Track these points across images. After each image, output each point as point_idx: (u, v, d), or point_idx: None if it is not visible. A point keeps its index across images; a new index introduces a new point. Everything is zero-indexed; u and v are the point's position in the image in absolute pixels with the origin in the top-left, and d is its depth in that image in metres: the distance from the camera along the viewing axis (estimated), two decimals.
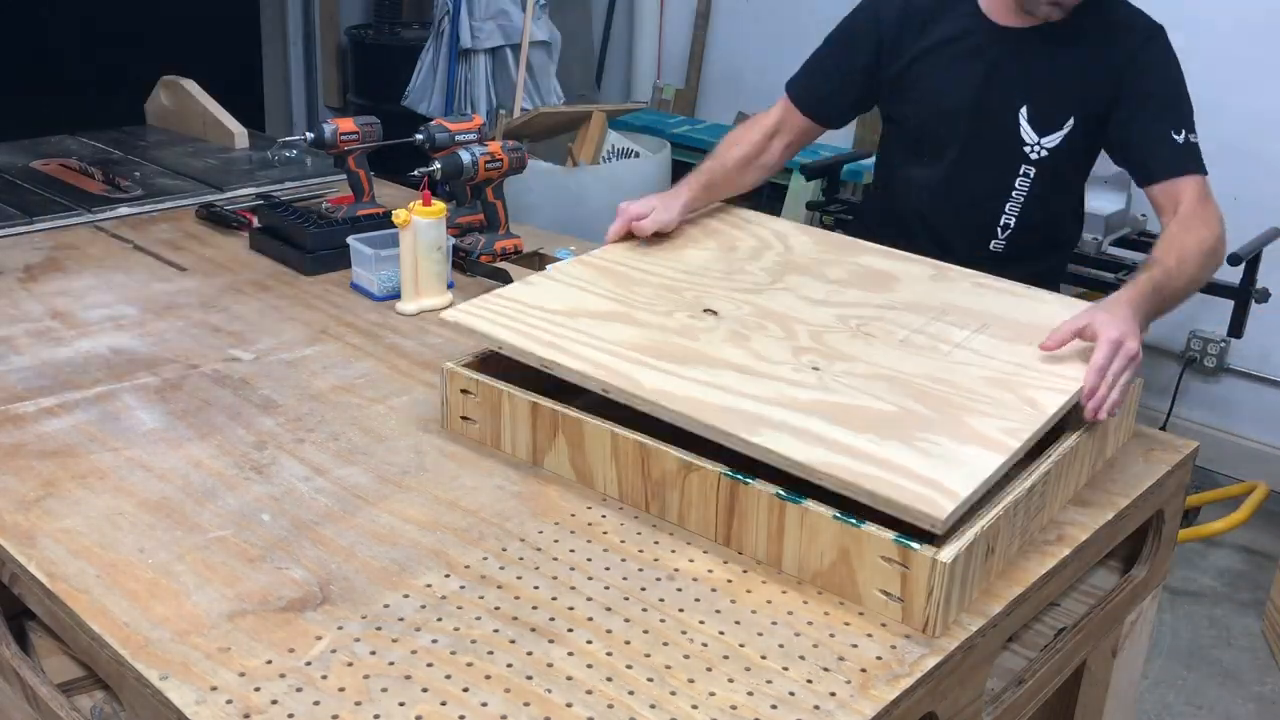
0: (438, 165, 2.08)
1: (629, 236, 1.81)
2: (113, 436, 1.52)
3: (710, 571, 1.27)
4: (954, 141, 2.00)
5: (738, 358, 1.43)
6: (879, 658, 1.13)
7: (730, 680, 1.09)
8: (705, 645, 1.14)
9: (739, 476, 1.27)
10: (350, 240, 2.08)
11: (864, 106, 2.13)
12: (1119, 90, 1.89)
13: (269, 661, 1.09)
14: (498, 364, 1.53)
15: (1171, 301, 1.66)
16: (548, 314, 1.53)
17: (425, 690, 1.06)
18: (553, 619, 1.17)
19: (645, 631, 1.16)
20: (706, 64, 4.73)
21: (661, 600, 1.21)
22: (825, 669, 1.11)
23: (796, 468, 1.22)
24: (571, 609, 1.19)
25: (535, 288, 1.62)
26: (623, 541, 1.32)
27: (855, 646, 1.15)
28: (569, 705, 1.05)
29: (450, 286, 2.05)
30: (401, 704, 1.04)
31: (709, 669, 1.10)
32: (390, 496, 1.40)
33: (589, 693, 1.07)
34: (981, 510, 1.22)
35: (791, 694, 1.08)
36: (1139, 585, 1.58)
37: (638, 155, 4.09)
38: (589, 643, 1.13)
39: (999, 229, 2.03)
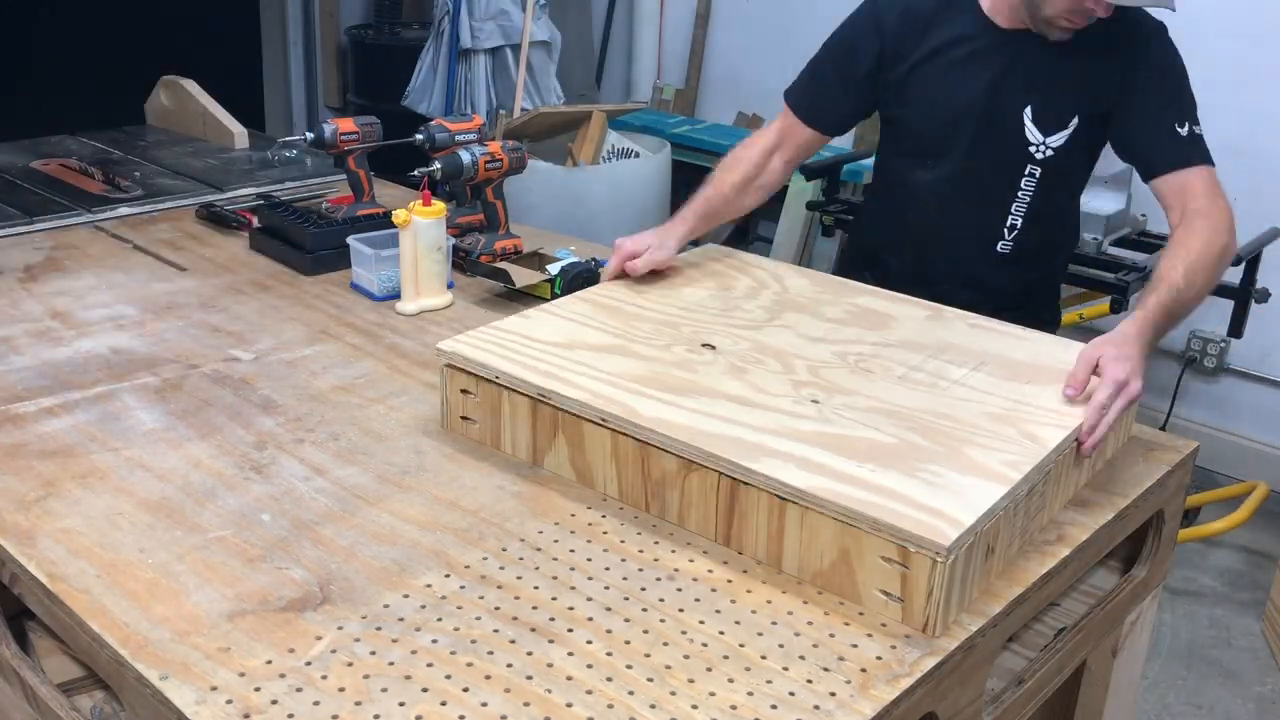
0: (438, 165, 2.08)
1: (624, 274, 1.81)
2: (113, 436, 1.53)
3: (710, 571, 1.27)
4: (959, 144, 1.99)
5: (737, 390, 1.44)
6: (879, 658, 1.13)
7: (730, 680, 1.09)
8: (705, 645, 1.14)
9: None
10: (350, 240, 2.08)
11: (866, 113, 2.12)
12: (1120, 87, 1.89)
13: (269, 661, 1.09)
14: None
15: (1182, 315, 1.67)
16: (546, 346, 1.54)
17: (425, 690, 1.06)
18: (553, 619, 1.17)
19: (645, 631, 1.16)
20: (706, 64, 4.73)
21: (661, 600, 1.21)
22: (825, 669, 1.11)
23: (798, 494, 1.22)
24: (571, 609, 1.19)
25: (532, 321, 1.63)
26: (623, 541, 1.32)
27: (855, 646, 1.15)
28: (569, 705, 1.05)
29: (450, 286, 2.05)
30: (401, 704, 1.04)
31: (709, 669, 1.10)
32: (390, 496, 1.40)
33: (589, 693, 1.07)
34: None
35: (791, 694, 1.08)
36: (1139, 585, 1.58)
37: (638, 155, 4.09)
38: (589, 643, 1.13)
39: (1006, 230, 2.03)
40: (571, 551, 1.29)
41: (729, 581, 1.25)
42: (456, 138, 2.18)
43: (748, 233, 4.60)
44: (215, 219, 2.41)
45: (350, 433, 1.55)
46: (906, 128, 2.08)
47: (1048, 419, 1.39)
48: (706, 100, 4.77)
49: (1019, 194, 2.00)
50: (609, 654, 1.12)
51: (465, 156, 2.13)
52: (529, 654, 1.11)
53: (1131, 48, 1.89)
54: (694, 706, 1.05)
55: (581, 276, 2.00)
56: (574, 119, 4.01)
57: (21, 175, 2.67)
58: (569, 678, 1.09)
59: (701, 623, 1.17)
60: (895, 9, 2.01)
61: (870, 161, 3.87)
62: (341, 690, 1.06)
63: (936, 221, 2.07)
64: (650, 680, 1.08)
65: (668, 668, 1.10)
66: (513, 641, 1.13)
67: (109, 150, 2.93)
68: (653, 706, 1.05)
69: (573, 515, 1.37)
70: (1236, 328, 3.00)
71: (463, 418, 1.54)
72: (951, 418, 1.39)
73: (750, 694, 1.07)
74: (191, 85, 3.10)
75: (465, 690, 1.06)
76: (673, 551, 1.30)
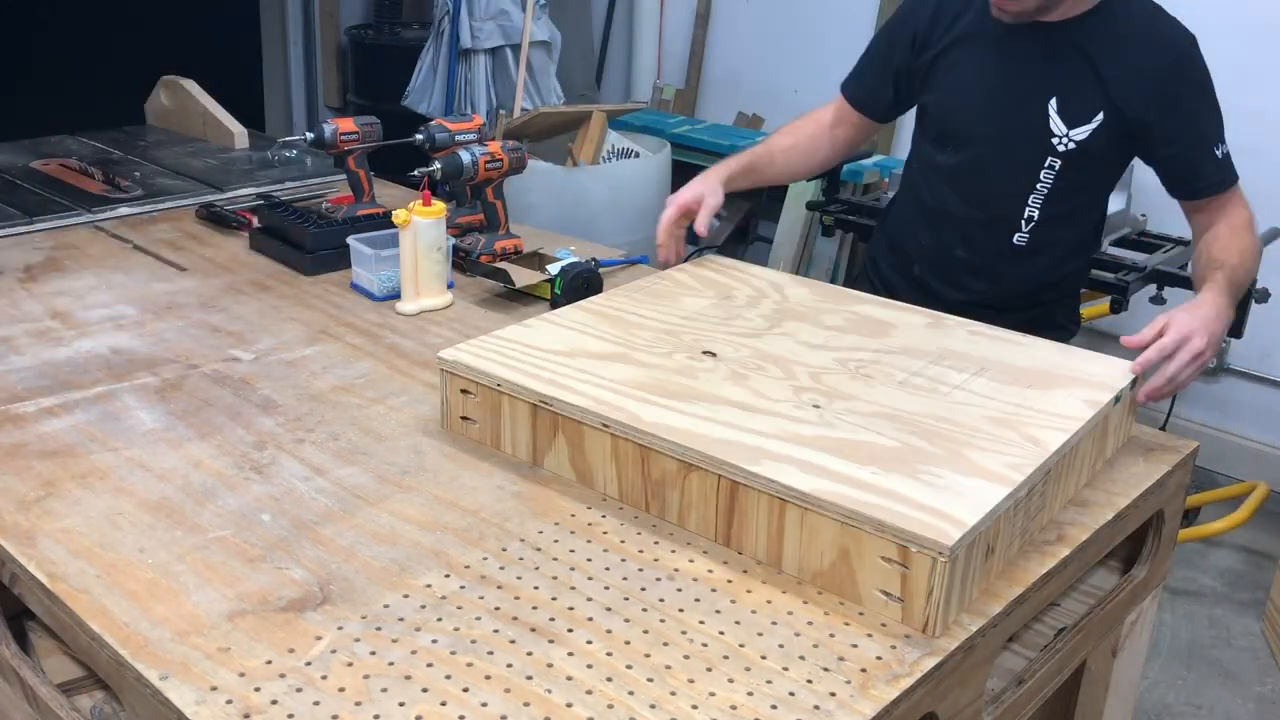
0: (438, 165, 2.08)
1: (623, 295, 1.85)
2: (113, 436, 1.53)
3: (710, 571, 1.27)
4: (981, 129, 2.01)
5: (738, 396, 1.44)
6: (879, 658, 1.13)
7: (730, 680, 1.09)
8: (705, 645, 1.14)
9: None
10: (350, 240, 2.08)
11: (909, 102, 2.16)
12: (1157, 104, 1.89)
13: (269, 661, 1.09)
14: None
15: (1239, 295, 1.77)
16: (547, 354, 1.54)
17: (425, 690, 1.06)
18: (553, 619, 1.17)
19: (645, 631, 1.16)
20: (706, 64, 4.74)
21: (661, 600, 1.21)
22: (825, 669, 1.11)
23: (799, 496, 1.22)
24: (571, 609, 1.19)
25: (533, 330, 1.63)
26: (623, 541, 1.32)
27: (855, 646, 1.15)
28: (569, 705, 1.05)
29: (450, 286, 2.05)
30: (401, 704, 1.04)
31: (709, 669, 1.10)
32: (390, 496, 1.40)
33: (589, 693, 1.07)
34: None
35: (791, 694, 1.08)
36: (1139, 585, 1.58)
37: (638, 155, 4.09)
38: (589, 643, 1.14)
39: (1023, 222, 2.03)
40: (571, 551, 1.29)
41: (729, 581, 1.25)
42: (456, 138, 2.18)
43: (748, 233, 4.60)
44: (215, 219, 2.41)
45: (350, 433, 1.55)
46: (932, 113, 2.10)
47: (1049, 422, 1.40)
48: (706, 100, 4.77)
49: (1038, 185, 2.00)
50: (609, 654, 1.12)
51: (465, 156, 2.13)
52: (529, 654, 1.12)
53: (1166, 63, 1.89)
54: (694, 706, 1.05)
55: (582, 276, 2.00)
56: (574, 119, 4.01)
57: (21, 175, 2.67)
58: (569, 678, 1.09)
59: (701, 623, 1.17)
60: (930, 1, 2.06)
61: (870, 162, 3.89)
62: (341, 690, 1.06)
63: (955, 209, 2.08)
64: (650, 680, 1.08)
65: (668, 668, 1.10)
66: (513, 641, 1.13)
67: (109, 150, 2.93)
68: (653, 706, 1.05)
69: (573, 515, 1.37)
70: (1236, 328, 3.00)
71: (463, 418, 1.54)
72: (952, 421, 1.39)
73: (750, 694, 1.07)
74: (191, 85, 3.10)
75: (465, 690, 1.06)
76: (673, 551, 1.30)
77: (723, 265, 1.95)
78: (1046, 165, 1.98)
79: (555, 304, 1.96)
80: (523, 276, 2.05)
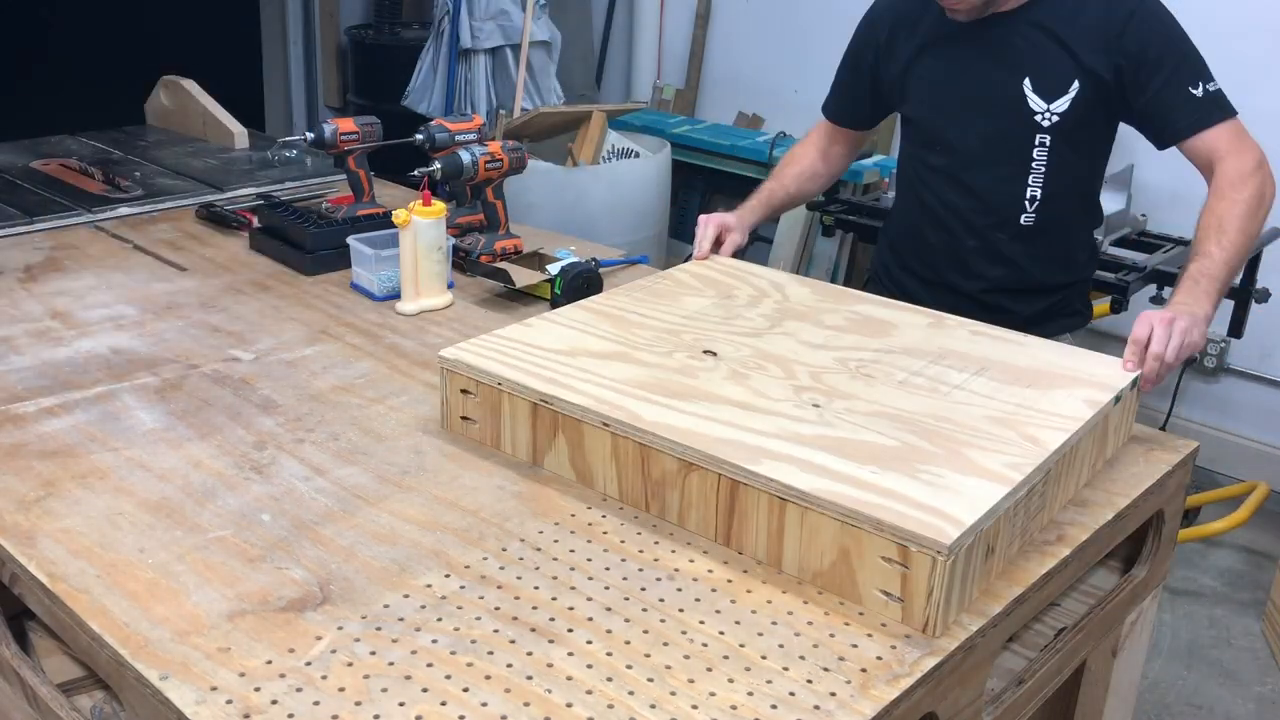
0: (438, 165, 2.08)
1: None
2: (113, 436, 1.53)
3: (710, 571, 1.27)
4: (967, 127, 2.05)
5: (738, 395, 1.44)
6: (879, 658, 1.13)
7: (730, 680, 1.09)
8: (705, 645, 1.14)
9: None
10: (350, 240, 2.08)
11: (886, 108, 2.23)
12: (1125, 56, 1.91)
13: (269, 661, 1.09)
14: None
15: (1229, 277, 1.78)
16: (547, 353, 1.54)
17: (425, 690, 1.06)
18: (553, 619, 1.17)
19: (645, 631, 1.16)
20: (706, 64, 4.73)
21: (661, 600, 1.21)
22: (825, 669, 1.11)
23: (799, 495, 1.22)
24: (571, 609, 1.19)
25: (534, 329, 1.63)
26: (623, 541, 1.32)
27: (855, 646, 1.15)
28: (569, 705, 1.05)
29: (450, 286, 2.05)
30: (401, 704, 1.04)
31: (709, 669, 1.10)
32: (390, 496, 1.40)
33: (589, 693, 1.07)
34: None
35: (791, 694, 1.08)
36: (1139, 585, 1.58)
37: (638, 155, 4.09)
38: (589, 643, 1.13)
39: (1026, 202, 2.05)
40: (571, 551, 1.29)
41: (729, 581, 1.25)
42: (456, 138, 2.18)
43: None
44: (215, 219, 2.41)
45: (350, 433, 1.55)
46: (915, 121, 2.15)
47: (1049, 422, 1.40)
48: (706, 100, 4.77)
49: (1033, 164, 2.02)
50: (609, 654, 1.12)
51: (465, 156, 2.13)
52: (529, 654, 1.12)
53: (1121, 17, 1.92)
54: (694, 706, 1.05)
55: (582, 276, 2.00)
56: (574, 119, 4.01)
57: (21, 175, 2.68)
58: (569, 678, 1.09)
59: (701, 623, 1.17)
60: (887, 11, 2.13)
61: (870, 162, 3.89)
62: (341, 690, 1.06)
63: (958, 204, 2.10)
64: (650, 680, 1.08)
65: (668, 668, 1.10)
66: (513, 641, 1.13)
67: (109, 150, 2.93)
68: (653, 706, 1.05)
69: (573, 515, 1.37)
70: (1236, 328, 3.00)
71: (463, 418, 1.54)
72: (952, 421, 1.39)
73: (750, 694, 1.07)
74: (191, 85, 3.10)
75: (465, 690, 1.06)
76: (673, 551, 1.30)
77: (723, 265, 1.95)
78: (1037, 144, 2.01)
79: (555, 304, 1.96)
80: (523, 276, 2.05)
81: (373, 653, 1.11)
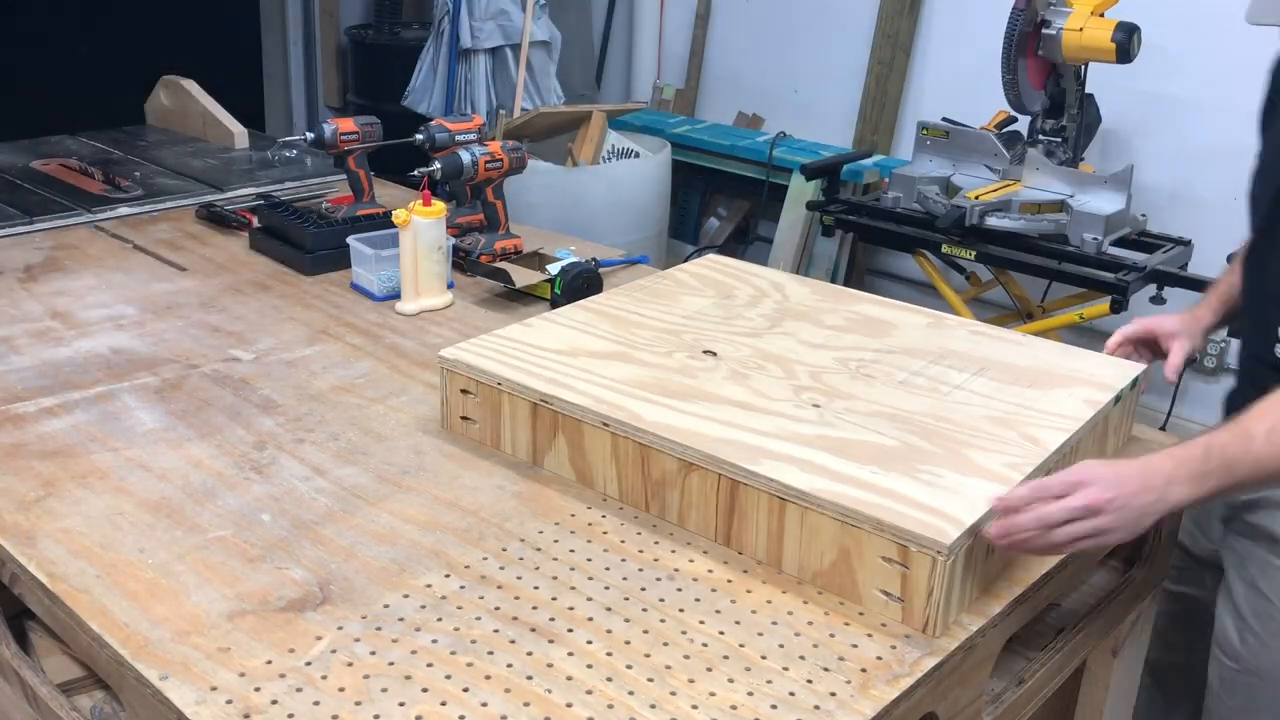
0: (438, 165, 2.08)
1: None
2: (113, 436, 1.52)
3: (710, 571, 1.27)
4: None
5: (738, 395, 1.44)
6: (879, 658, 1.13)
7: (730, 680, 1.09)
8: (705, 645, 1.14)
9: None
10: (350, 240, 2.08)
11: None
12: None
13: (269, 661, 1.09)
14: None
15: (1253, 482, 1.23)
16: (547, 353, 1.54)
17: (425, 690, 1.06)
18: (553, 619, 1.17)
19: (645, 631, 1.16)
20: (706, 64, 4.73)
21: (661, 600, 1.21)
22: (825, 669, 1.11)
23: (799, 495, 1.22)
24: (571, 609, 1.19)
25: (533, 329, 1.63)
26: (623, 541, 1.32)
27: (855, 646, 1.15)
28: (569, 705, 1.05)
29: (450, 286, 2.05)
30: (401, 704, 1.04)
31: (709, 669, 1.10)
32: (390, 496, 1.40)
33: (589, 693, 1.07)
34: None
35: (791, 694, 1.08)
36: (1139, 585, 1.58)
37: (638, 155, 4.09)
38: (589, 643, 1.13)
39: None
40: (571, 551, 1.29)
41: (729, 581, 1.25)
42: (456, 138, 2.18)
43: (748, 233, 4.60)
44: (215, 219, 2.41)
45: (350, 433, 1.55)
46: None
47: (1049, 422, 1.39)
48: (706, 100, 4.77)
49: None
50: (609, 654, 1.12)
51: (465, 156, 2.13)
52: (529, 654, 1.11)
53: None
54: (694, 706, 1.05)
55: (582, 276, 2.00)
56: (574, 119, 4.01)
57: (21, 175, 2.67)
58: (569, 678, 1.09)
59: (701, 623, 1.17)
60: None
61: (870, 162, 3.89)
62: (341, 690, 1.06)
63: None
64: (650, 680, 1.08)
65: (668, 668, 1.10)
66: (513, 641, 1.13)
67: (109, 150, 2.93)
68: (653, 706, 1.05)
69: (573, 515, 1.37)
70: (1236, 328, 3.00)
71: (463, 418, 1.54)
72: (952, 421, 1.39)
73: (750, 694, 1.07)
74: (191, 85, 3.10)
75: (465, 690, 1.06)
76: (673, 551, 1.30)
77: (723, 265, 1.95)
78: None
79: (555, 304, 1.96)
80: (523, 276, 2.05)
81: (373, 653, 1.11)
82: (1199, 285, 2.91)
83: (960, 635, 1.17)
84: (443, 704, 1.05)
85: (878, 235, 3.39)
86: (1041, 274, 3.05)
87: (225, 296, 2.03)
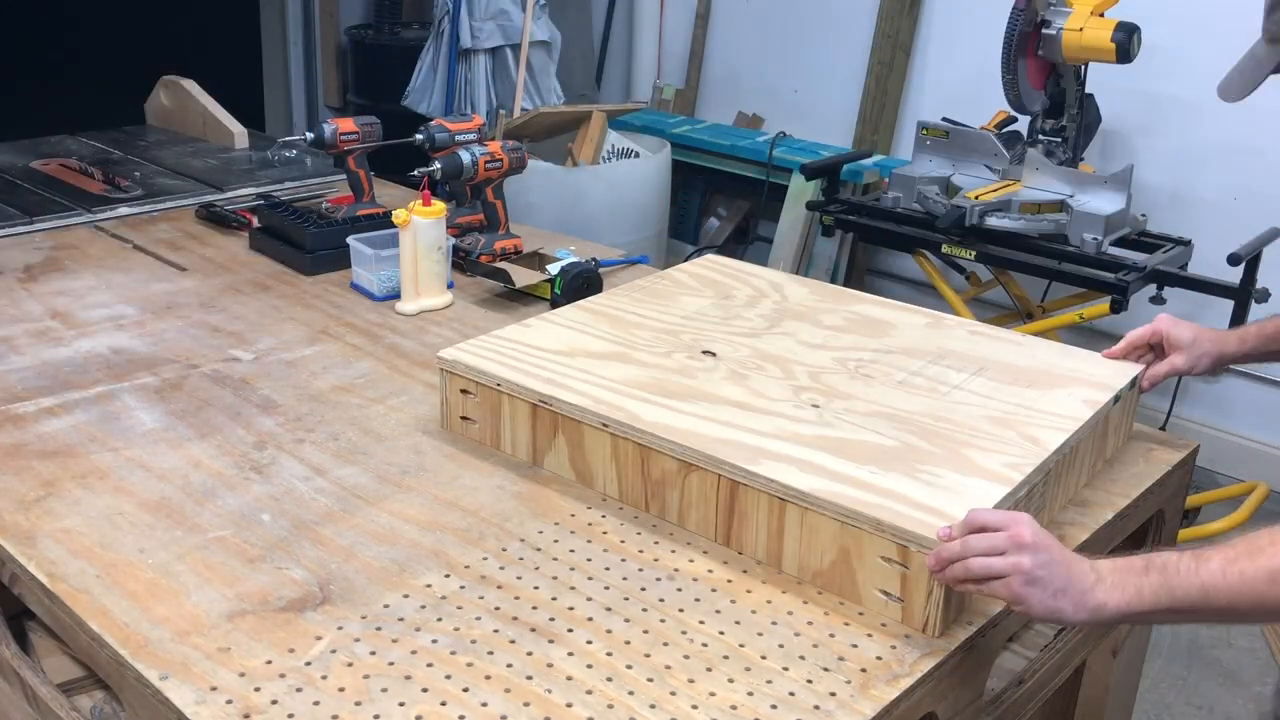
0: (438, 165, 2.08)
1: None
2: (113, 436, 1.52)
3: (710, 571, 1.27)
4: None
5: (737, 395, 1.44)
6: (879, 658, 1.13)
7: (730, 680, 1.09)
8: (705, 645, 1.14)
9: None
10: (350, 240, 2.08)
11: None
12: None
13: (269, 661, 1.09)
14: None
15: (1200, 612, 1.08)
16: (546, 353, 1.54)
17: (425, 690, 1.06)
18: (553, 619, 1.17)
19: (645, 631, 1.16)
20: (706, 64, 4.73)
21: (661, 600, 1.21)
22: (825, 669, 1.11)
23: (799, 495, 1.22)
24: (571, 609, 1.19)
25: (532, 329, 1.63)
26: (623, 541, 1.32)
27: (855, 646, 1.15)
28: (569, 705, 1.05)
29: (450, 286, 2.05)
30: (401, 704, 1.04)
31: (709, 669, 1.10)
32: (390, 496, 1.40)
33: (589, 693, 1.07)
34: None
35: (791, 694, 1.08)
36: None
37: (638, 155, 4.09)
38: (589, 643, 1.13)
39: None
40: (571, 551, 1.29)
41: (729, 581, 1.25)
42: (456, 138, 2.18)
43: (748, 233, 4.60)
44: (215, 219, 2.41)
45: (350, 433, 1.55)
46: None
47: (1048, 422, 1.39)
48: (706, 100, 4.77)
49: None
50: (609, 654, 1.12)
51: (465, 156, 2.13)
52: (529, 654, 1.12)
53: None
54: (694, 706, 1.05)
55: (582, 276, 2.00)
56: (574, 119, 4.01)
57: (21, 175, 2.67)
58: (569, 678, 1.09)
59: (701, 623, 1.17)
60: None
61: (870, 162, 3.89)
62: (341, 690, 1.06)
63: None
64: (650, 680, 1.08)
65: (668, 668, 1.10)
66: (513, 641, 1.13)
67: (109, 150, 2.92)
68: (653, 706, 1.05)
69: (573, 515, 1.37)
70: (1237, 327, 2.99)
71: (462, 418, 1.54)
72: (952, 421, 1.39)
73: (750, 694, 1.07)
74: (191, 85, 3.10)
75: (465, 690, 1.06)
76: (673, 551, 1.30)
77: (722, 265, 1.95)
78: None
79: (555, 304, 1.96)
80: (523, 276, 2.05)
81: (373, 653, 1.11)
82: (1199, 285, 2.92)
83: (960, 635, 1.17)
84: (443, 704, 1.05)
85: (877, 235, 3.39)
86: (1041, 274, 3.05)
87: (225, 296, 2.03)
